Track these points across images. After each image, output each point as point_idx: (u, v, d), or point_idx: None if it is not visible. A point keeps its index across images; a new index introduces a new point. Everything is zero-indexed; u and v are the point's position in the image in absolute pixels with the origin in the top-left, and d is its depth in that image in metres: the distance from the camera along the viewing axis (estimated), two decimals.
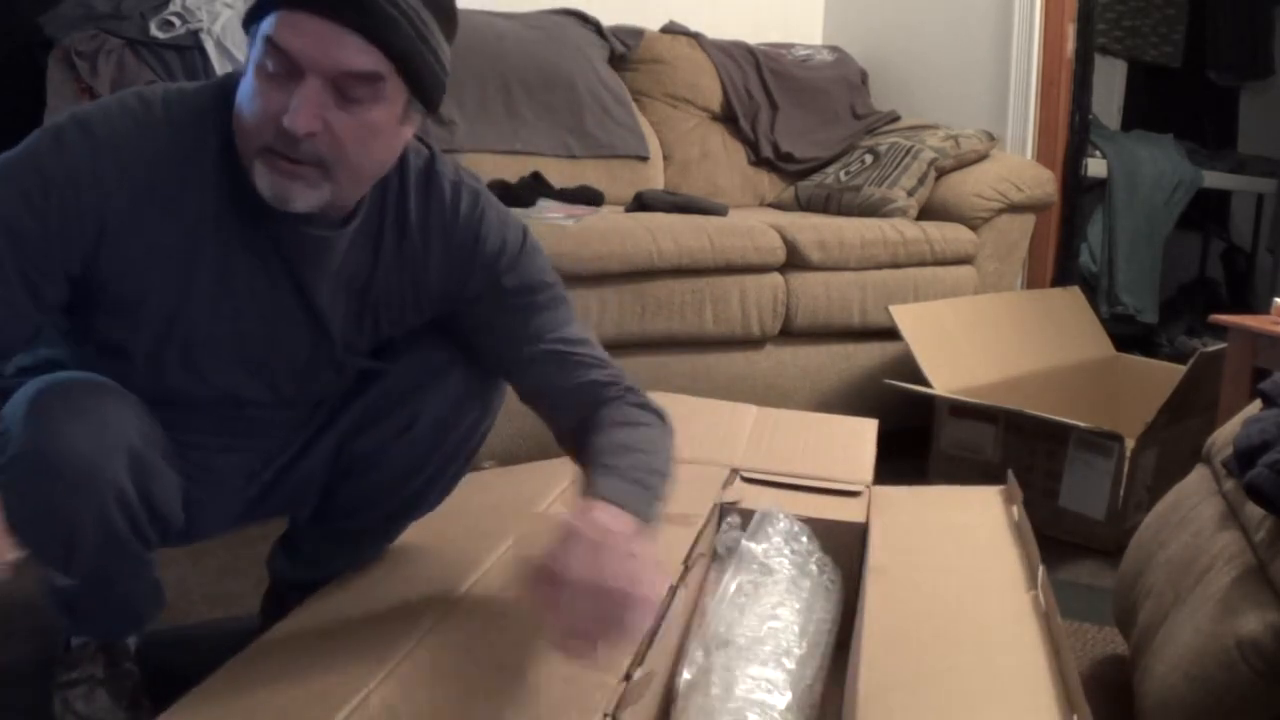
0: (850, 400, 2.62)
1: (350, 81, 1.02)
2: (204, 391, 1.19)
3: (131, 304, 1.11)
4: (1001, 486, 1.65)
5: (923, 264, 2.75)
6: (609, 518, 1.04)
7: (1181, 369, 2.20)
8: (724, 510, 1.54)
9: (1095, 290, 3.59)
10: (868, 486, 1.65)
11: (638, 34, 3.23)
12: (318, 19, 1.00)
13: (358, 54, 1.01)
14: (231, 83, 1.09)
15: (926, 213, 2.90)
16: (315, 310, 1.18)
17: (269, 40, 1.01)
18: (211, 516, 1.28)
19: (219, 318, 1.14)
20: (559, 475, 1.62)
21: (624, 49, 3.17)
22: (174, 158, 1.08)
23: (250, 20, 1.05)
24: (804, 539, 1.44)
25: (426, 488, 1.33)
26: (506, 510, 1.51)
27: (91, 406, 1.09)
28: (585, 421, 1.20)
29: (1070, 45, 3.15)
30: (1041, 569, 1.28)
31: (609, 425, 1.19)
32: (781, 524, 1.44)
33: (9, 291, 1.04)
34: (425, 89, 1.08)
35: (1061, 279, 3.17)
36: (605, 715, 0.98)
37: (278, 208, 1.06)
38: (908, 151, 2.96)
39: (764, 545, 1.40)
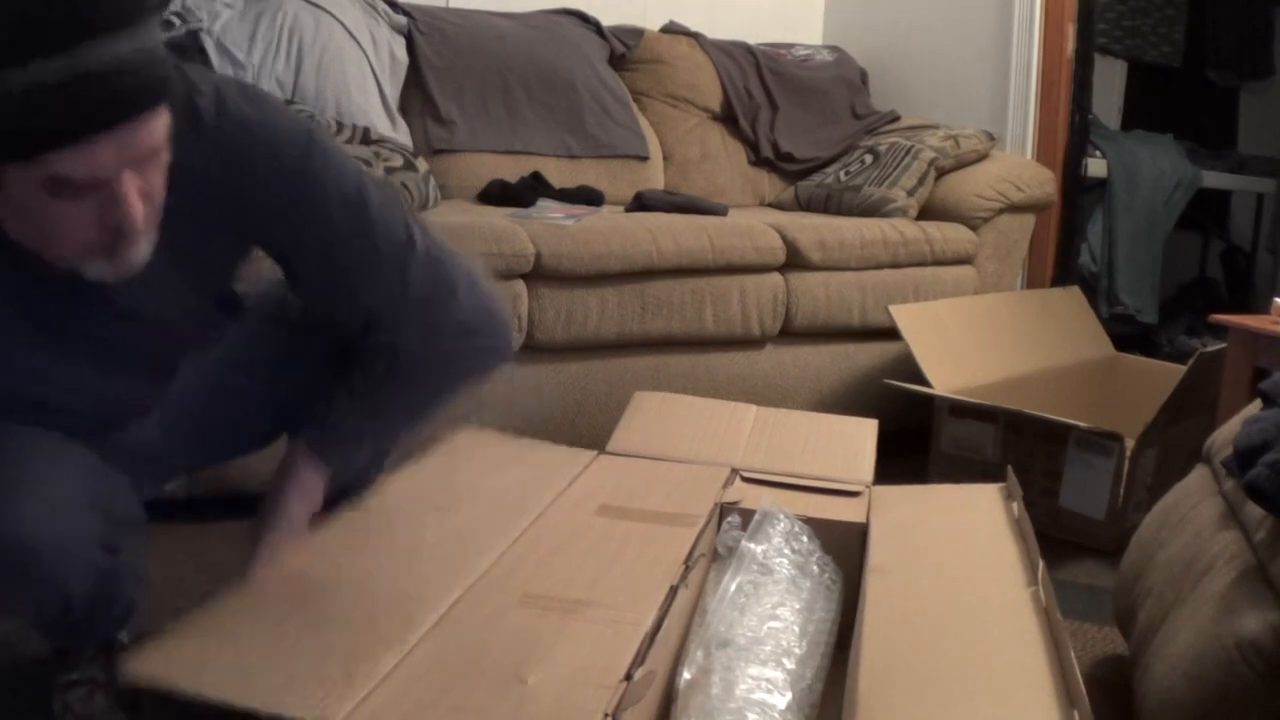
0: (850, 400, 2.62)
1: (153, 154, 1.00)
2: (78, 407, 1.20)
3: None
4: (1001, 484, 1.65)
5: (923, 264, 2.75)
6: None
7: (1181, 369, 2.20)
8: (724, 510, 1.54)
9: (1095, 290, 3.59)
10: (868, 486, 1.65)
11: (638, 34, 3.23)
12: (106, 134, 0.94)
13: (153, 132, 0.98)
14: None
15: (926, 213, 2.90)
16: (140, 314, 1.16)
17: (55, 180, 0.94)
18: (152, 480, 1.32)
19: (51, 359, 1.14)
20: (572, 460, 1.63)
21: (624, 49, 3.17)
22: None
23: None
24: (804, 539, 1.44)
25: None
26: (519, 499, 1.50)
27: (17, 464, 1.09)
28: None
29: (1070, 45, 3.15)
30: (1041, 565, 1.28)
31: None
32: (782, 524, 1.44)
33: None
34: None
35: (1061, 279, 3.17)
36: (605, 715, 0.98)
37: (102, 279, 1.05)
38: (908, 151, 2.96)
39: (764, 545, 1.40)
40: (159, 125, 0.99)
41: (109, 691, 1.29)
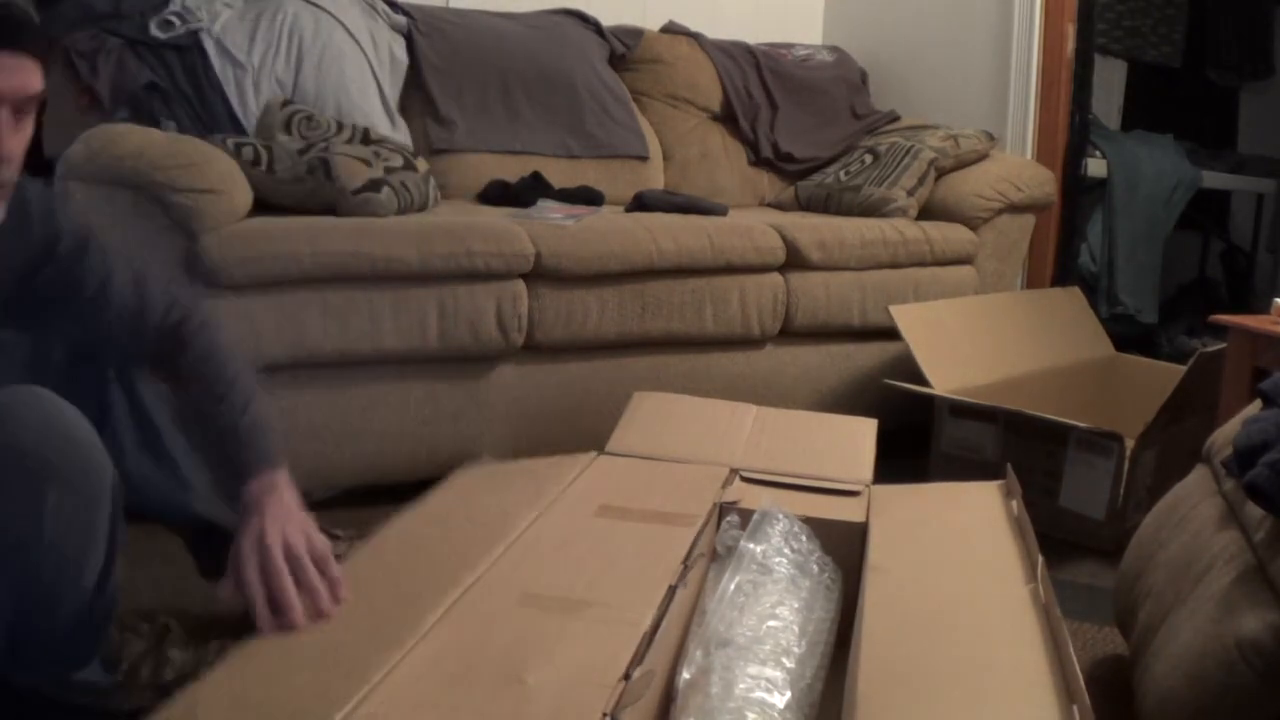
0: (850, 400, 2.62)
1: (28, 103, 1.06)
2: None
3: None
4: (1000, 481, 1.65)
5: (923, 264, 2.75)
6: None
7: (1181, 369, 2.20)
8: (723, 510, 1.54)
9: (1095, 290, 3.59)
10: (867, 486, 1.65)
11: (638, 34, 3.23)
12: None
13: (34, 77, 1.05)
14: None
15: (926, 213, 2.90)
16: None
17: None
18: None
19: None
20: (571, 462, 1.63)
21: (624, 49, 3.17)
22: None
23: None
24: (803, 538, 1.44)
25: None
26: (507, 507, 1.50)
27: None
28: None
29: (1070, 45, 3.16)
30: (1041, 561, 1.28)
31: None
32: (780, 523, 1.44)
33: None
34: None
35: (1061, 279, 3.17)
36: (604, 715, 0.98)
37: None
38: (908, 151, 2.96)
39: (763, 545, 1.40)
40: (32, 78, 1.07)
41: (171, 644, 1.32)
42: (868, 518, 1.53)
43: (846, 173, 3.05)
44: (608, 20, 3.18)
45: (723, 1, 3.55)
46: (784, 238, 2.54)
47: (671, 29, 3.33)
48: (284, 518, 1.22)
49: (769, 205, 3.22)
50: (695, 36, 3.32)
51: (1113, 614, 1.65)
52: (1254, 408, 1.54)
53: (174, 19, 2.49)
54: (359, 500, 2.00)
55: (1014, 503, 1.52)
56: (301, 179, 2.14)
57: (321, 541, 1.22)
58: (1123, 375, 2.77)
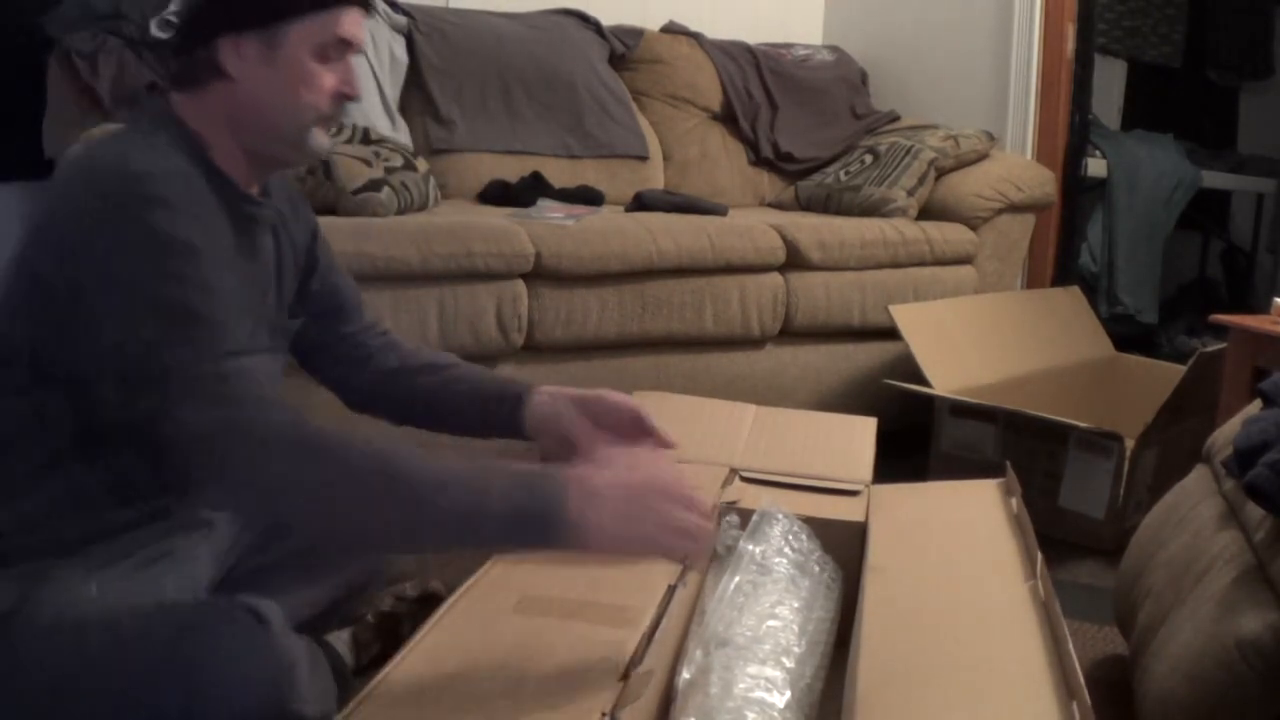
0: (850, 400, 2.62)
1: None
2: None
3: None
4: (1000, 479, 1.65)
5: (923, 264, 2.75)
6: None
7: (1181, 369, 2.20)
8: (723, 510, 1.54)
9: (1095, 290, 3.59)
10: (867, 485, 1.65)
11: (638, 34, 3.23)
12: (361, 11, 1.21)
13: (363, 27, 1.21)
14: (162, 113, 1.18)
15: (926, 213, 2.90)
16: (283, 264, 1.30)
17: (338, 35, 1.17)
18: None
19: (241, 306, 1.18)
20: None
21: (624, 49, 3.17)
22: (202, 186, 1.13)
23: (265, 15, 1.14)
24: (804, 538, 1.44)
25: None
26: None
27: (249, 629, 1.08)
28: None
29: (1070, 45, 3.16)
30: (1040, 558, 1.28)
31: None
32: (780, 523, 1.44)
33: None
34: None
35: (1061, 279, 3.17)
36: (604, 714, 0.97)
37: (325, 159, 1.24)
38: (908, 151, 2.96)
39: (762, 545, 1.40)
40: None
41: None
42: (868, 517, 1.53)
43: (846, 173, 3.06)
44: (608, 20, 3.18)
45: (723, 1, 3.55)
46: (784, 238, 2.54)
47: (671, 29, 3.33)
48: None
49: (769, 205, 3.22)
50: (695, 36, 3.32)
51: (1113, 614, 1.65)
52: (1254, 408, 1.54)
53: (174, 19, 2.49)
54: None
55: (1014, 500, 1.52)
56: (301, 179, 2.14)
57: None
58: (1123, 375, 2.77)
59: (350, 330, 1.43)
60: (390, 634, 1.47)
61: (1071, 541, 2.16)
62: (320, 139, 1.21)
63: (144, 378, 0.99)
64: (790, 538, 1.41)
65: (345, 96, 1.20)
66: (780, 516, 1.44)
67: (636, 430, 1.34)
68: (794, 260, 2.55)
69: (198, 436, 0.98)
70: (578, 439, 1.33)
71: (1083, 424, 2.16)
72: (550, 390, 1.38)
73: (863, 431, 1.85)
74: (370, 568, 1.45)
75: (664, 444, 1.34)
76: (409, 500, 0.99)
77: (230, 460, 0.98)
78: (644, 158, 3.06)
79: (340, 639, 1.42)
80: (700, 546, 1.08)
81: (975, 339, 2.55)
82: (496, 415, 1.38)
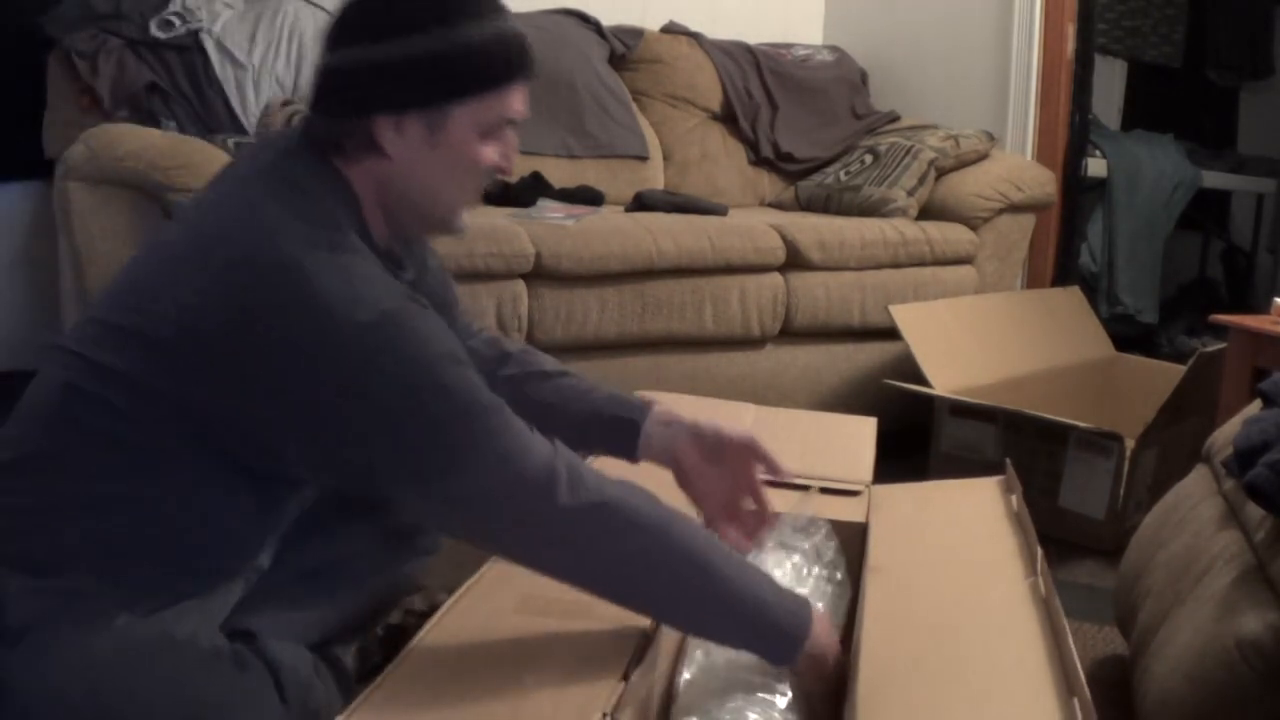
0: (850, 400, 2.62)
1: None
2: None
3: None
4: (1000, 477, 1.65)
5: (923, 264, 2.75)
6: None
7: (1181, 369, 2.20)
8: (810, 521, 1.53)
9: (1095, 290, 3.59)
10: (867, 485, 1.65)
11: (638, 34, 3.23)
12: (524, 82, 1.15)
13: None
14: (330, 180, 1.10)
15: (926, 213, 2.90)
16: None
17: (505, 115, 1.13)
18: None
19: None
20: None
21: (624, 49, 3.17)
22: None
23: (434, 96, 1.09)
24: (819, 536, 1.43)
25: None
26: None
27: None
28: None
29: (1070, 45, 3.16)
30: (1040, 555, 1.28)
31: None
32: (789, 521, 1.43)
33: None
34: None
35: (1061, 279, 3.17)
36: (604, 715, 0.98)
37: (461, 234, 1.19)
38: (908, 151, 2.96)
39: (766, 545, 1.40)
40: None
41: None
42: (868, 517, 1.53)
43: (846, 173, 3.05)
44: (608, 20, 3.17)
45: (723, 1, 3.55)
46: (784, 238, 2.54)
47: (671, 29, 3.33)
48: None
49: (769, 205, 3.21)
50: (695, 36, 3.32)
51: (1113, 614, 1.66)
52: (1254, 408, 1.54)
53: (174, 19, 2.49)
54: None
55: (1013, 498, 1.52)
56: None
57: None
58: (1123, 375, 2.77)
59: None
60: (396, 648, 1.45)
61: (1071, 541, 2.16)
62: (466, 218, 1.17)
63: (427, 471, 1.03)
64: (800, 535, 1.41)
65: (500, 170, 1.15)
66: (822, 527, 1.43)
67: (751, 457, 1.32)
68: (794, 260, 2.55)
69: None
70: (686, 472, 1.31)
71: (1083, 424, 2.16)
72: (665, 417, 1.32)
73: (863, 431, 1.85)
74: (390, 586, 1.43)
75: (776, 471, 1.33)
76: (705, 596, 1.09)
77: (594, 538, 1.05)
78: (644, 158, 3.06)
79: (347, 651, 1.41)
80: None
81: (975, 339, 2.55)
82: (610, 440, 1.33)
